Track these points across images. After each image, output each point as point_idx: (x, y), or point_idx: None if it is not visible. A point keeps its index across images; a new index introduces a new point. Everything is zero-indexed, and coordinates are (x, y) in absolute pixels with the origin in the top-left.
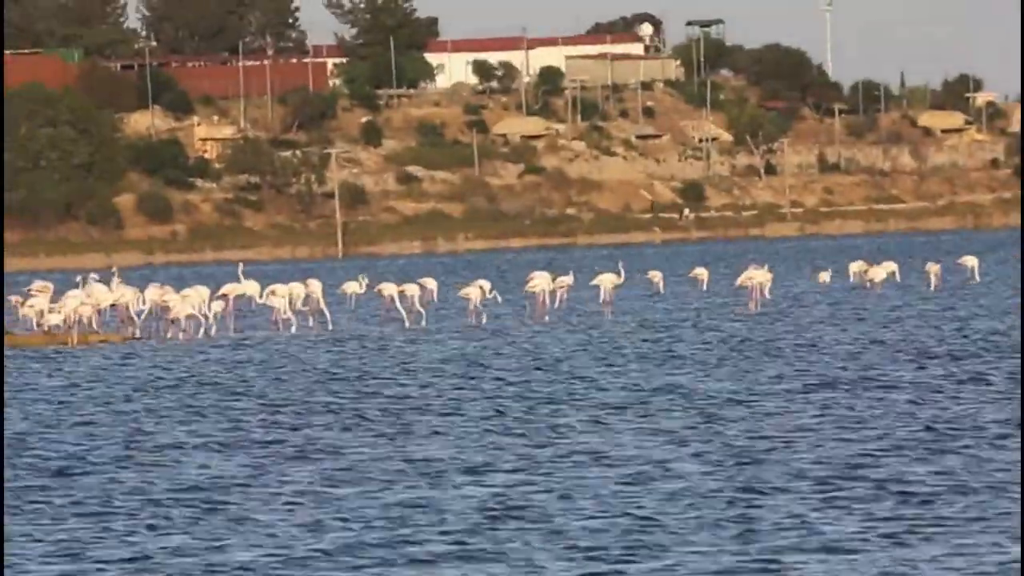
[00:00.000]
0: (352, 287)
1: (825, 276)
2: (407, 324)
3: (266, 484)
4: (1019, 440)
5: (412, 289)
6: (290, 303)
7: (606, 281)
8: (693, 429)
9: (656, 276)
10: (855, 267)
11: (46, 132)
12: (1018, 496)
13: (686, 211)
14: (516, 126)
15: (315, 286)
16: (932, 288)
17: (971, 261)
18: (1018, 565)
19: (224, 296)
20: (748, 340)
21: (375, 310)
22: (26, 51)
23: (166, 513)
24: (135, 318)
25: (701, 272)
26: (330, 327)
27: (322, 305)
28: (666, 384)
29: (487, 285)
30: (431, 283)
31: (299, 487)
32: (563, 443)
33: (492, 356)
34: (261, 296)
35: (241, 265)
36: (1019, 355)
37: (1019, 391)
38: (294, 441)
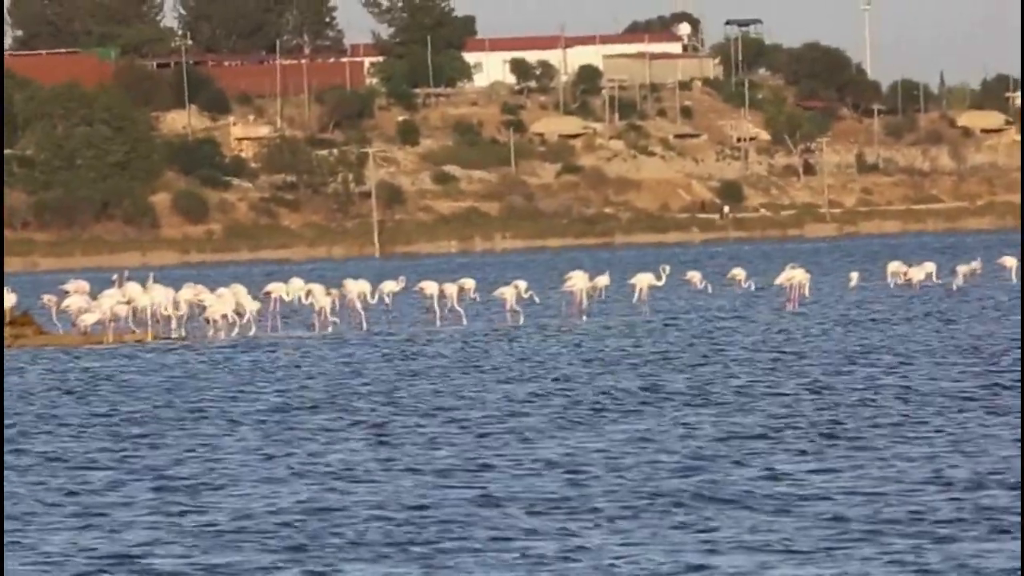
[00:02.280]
0: (389, 286)
1: (855, 277)
2: (438, 324)
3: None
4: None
5: (451, 288)
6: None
7: (642, 281)
8: None
9: (695, 277)
10: (893, 268)
11: (82, 131)
12: None
13: (726, 209)
14: (553, 125)
15: (359, 286)
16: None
17: (1010, 261)
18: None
19: (267, 295)
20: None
21: (411, 309)
22: (63, 50)
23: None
24: (171, 318)
25: (739, 273)
26: (364, 327)
27: (357, 305)
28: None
29: (523, 285)
30: (469, 283)
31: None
32: None
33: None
34: (307, 296)
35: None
36: None
37: None
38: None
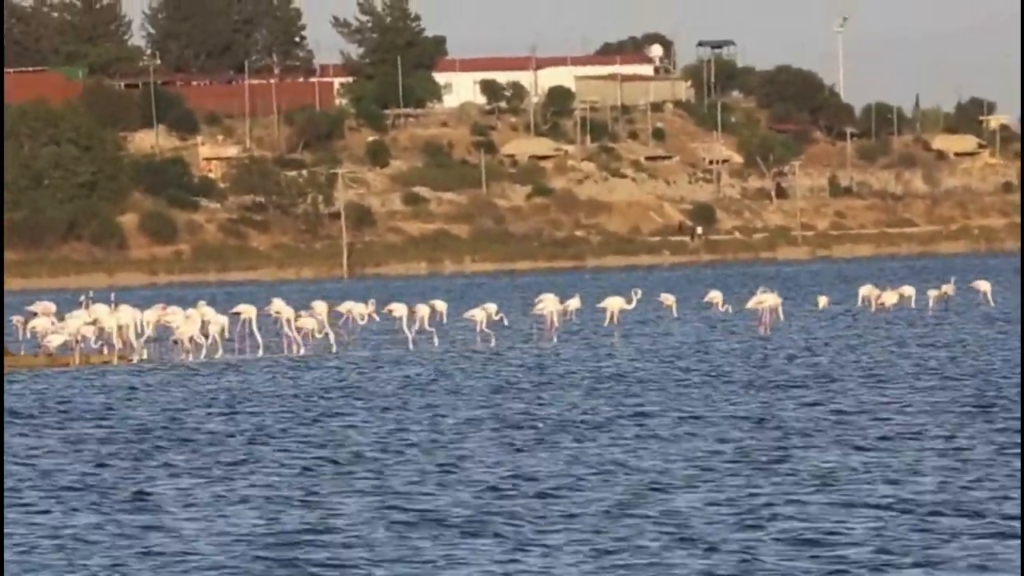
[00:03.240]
0: (356, 308)
1: (823, 301)
2: (411, 347)
3: None
4: None
5: (422, 310)
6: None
7: (613, 305)
8: None
9: (668, 300)
10: (865, 291)
11: (49, 150)
12: None
13: (699, 230)
14: (524, 147)
15: (321, 308)
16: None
17: (983, 285)
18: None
19: (236, 315)
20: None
21: (378, 332)
22: (30, 69)
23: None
24: (135, 341)
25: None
26: (333, 349)
27: (327, 327)
28: None
29: (493, 308)
30: (440, 305)
31: None
32: None
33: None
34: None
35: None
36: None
37: None
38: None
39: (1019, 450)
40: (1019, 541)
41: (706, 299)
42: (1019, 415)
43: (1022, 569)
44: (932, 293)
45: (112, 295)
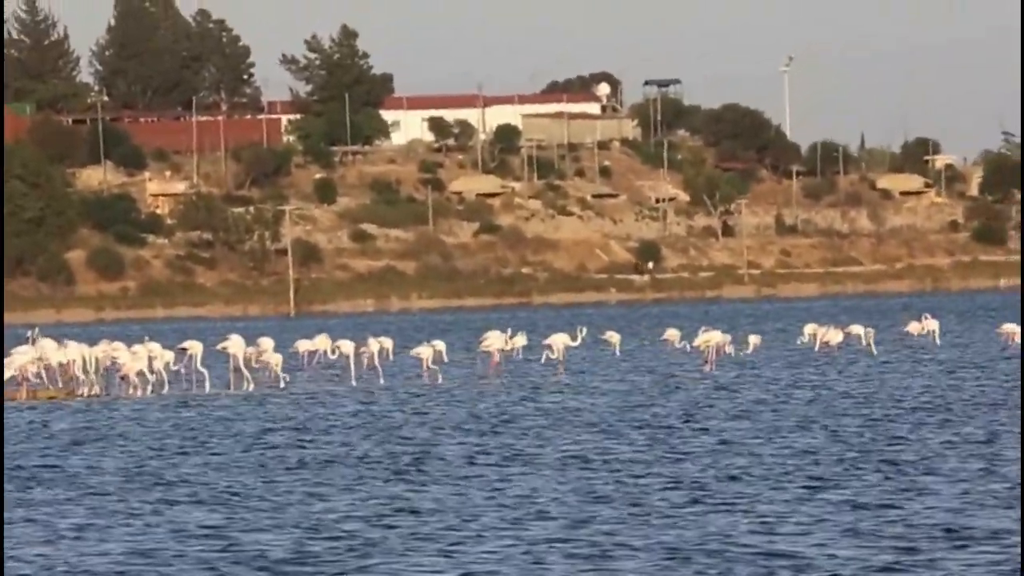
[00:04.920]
0: (305, 345)
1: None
2: (354, 383)
3: None
4: None
5: (371, 347)
6: (244, 361)
7: (558, 341)
8: None
9: (613, 337)
10: (809, 330)
11: None
12: None
13: (650, 264)
14: (471, 184)
15: (267, 344)
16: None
17: (931, 324)
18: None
19: (182, 351)
20: None
21: (325, 368)
22: None
23: None
24: (82, 376)
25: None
26: (282, 385)
27: (272, 363)
28: None
29: (442, 346)
30: (387, 342)
31: None
32: None
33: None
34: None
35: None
36: None
37: None
38: None
39: None
40: (1019, 541)
41: (664, 336)
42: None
43: (1022, 567)
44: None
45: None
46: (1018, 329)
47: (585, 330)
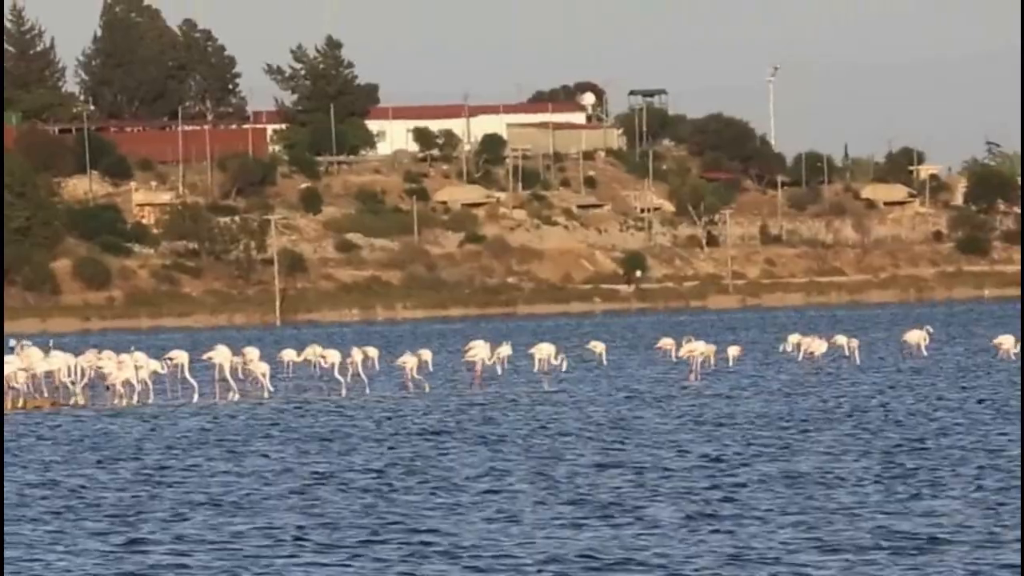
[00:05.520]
0: (289, 355)
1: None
2: (344, 392)
3: None
4: None
5: (356, 356)
6: (231, 370)
7: (543, 351)
8: None
9: (598, 347)
10: (793, 339)
11: None
12: None
13: (638, 273)
14: (457, 194)
15: (252, 354)
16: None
17: (914, 336)
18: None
19: (169, 360)
20: None
21: (310, 377)
22: None
23: None
24: (69, 385)
25: (668, 342)
26: (266, 395)
27: (259, 373)
28: None
29: (428, 355)
30: (373, 351)
31: None
32: None
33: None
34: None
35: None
36: None
37: None
38: None
39: None
40: (1019, 541)
41: (658, 345)
42: None
43: (1022, 568)
44: (915, 334)
45: (51, 342)
46: (1012, 341)
47: (564, 358)
